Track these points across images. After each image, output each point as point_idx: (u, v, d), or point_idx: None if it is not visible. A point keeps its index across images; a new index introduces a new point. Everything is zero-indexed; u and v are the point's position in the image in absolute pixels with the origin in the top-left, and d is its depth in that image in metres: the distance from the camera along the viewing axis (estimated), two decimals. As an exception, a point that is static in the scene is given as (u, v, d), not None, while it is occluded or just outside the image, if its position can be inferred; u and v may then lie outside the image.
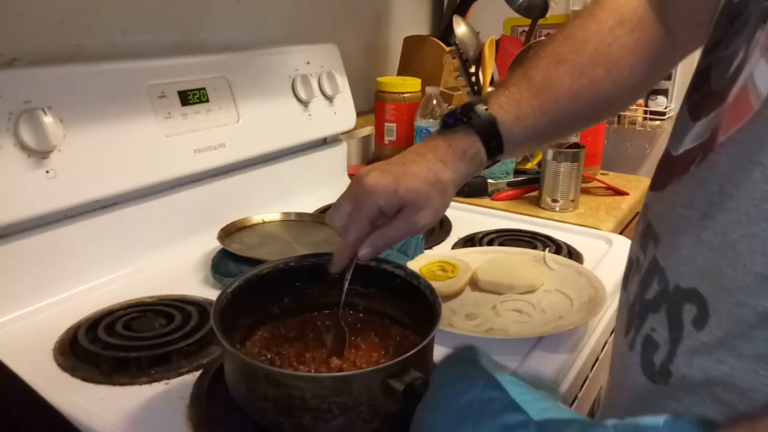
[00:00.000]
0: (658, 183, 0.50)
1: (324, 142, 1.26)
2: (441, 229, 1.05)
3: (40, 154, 0.74)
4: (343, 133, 1.29)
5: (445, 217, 1.09)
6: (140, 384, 0.63)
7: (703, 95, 0.46)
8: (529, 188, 1.26)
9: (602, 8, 0.61)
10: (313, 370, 0.58)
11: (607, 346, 0.81)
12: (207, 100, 0.96)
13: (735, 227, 0.39)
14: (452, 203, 1.11)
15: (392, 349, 0.62)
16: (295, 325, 0.66)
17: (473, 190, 1.24)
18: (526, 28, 1.43)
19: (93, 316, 0.74)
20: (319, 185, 1.21)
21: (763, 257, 0.37)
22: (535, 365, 0.68)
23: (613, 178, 1.36)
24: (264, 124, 1.06)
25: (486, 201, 1.23)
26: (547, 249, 0.94)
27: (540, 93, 0.60)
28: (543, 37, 1.34)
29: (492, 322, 0.74)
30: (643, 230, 0.51)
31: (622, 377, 0.49)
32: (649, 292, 0.47)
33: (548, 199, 1.18)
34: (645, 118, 1.62)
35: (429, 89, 1.31)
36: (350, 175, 1.33)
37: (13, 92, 0.73)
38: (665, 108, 1.61)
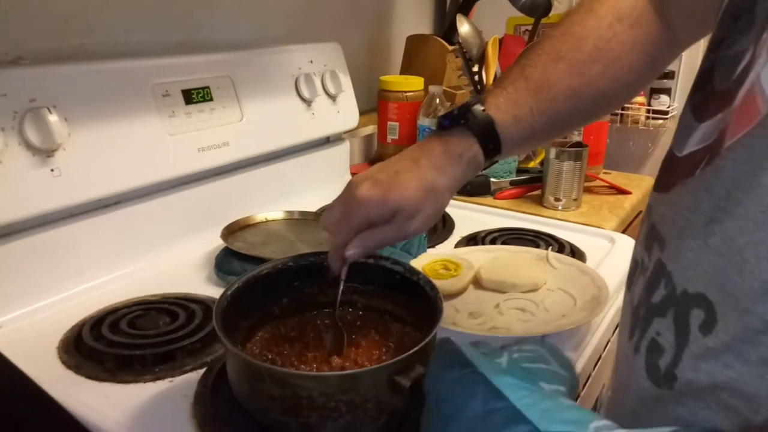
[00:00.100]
0: (662, 184, 0.50)
1: (327, 141, 1.26)
2: (444, 227, 1.06)
3: (45, 152, 0.74)
4: (346, 132, 1.30)
5: (448, 215, 1.09)
6: (144, 382, 0.63)
7: (707, 95, 0.46)
8: (531, 187, 1.26)
9: (601, 3, 0.60)
10: (315, 370, 0.58)
11: (609, 344, 0.81)
12: (211, 99, 0.96)
13: (742, 233, 0.39)
14: (455, 202, 1.11)
15: (393, 345, 0.62)
16: (295, 325, 0.66)
17: (476, 188, 1.24)
18: (530, 27, 1.43)
19: (97, 314, 0.75)
20: (322, 184, 1.21)
21: None
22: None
23: (616, 177, 1.36)
24: (267, 123, 1.06)
25: (489, 200, 1.24)
26: (550, 248, 0.94)
27: (538, 92, 0.59)
28: (546, 36, 1.34)
29: (495, 320, 0.74)
30: (648, 232, 0.50)
31: (627, 379, 0.49)
32: (656, 295, 0.46)
33: (551, 198, 1.18)
34: (648, 117, 1.62)
35: (432, 88, 1.31)
36: (353, 174, 1.33)
37: (18, 91, 0.73)
38: (668, 107, 1.61)
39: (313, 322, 0.66)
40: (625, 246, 1.00)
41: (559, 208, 1.18)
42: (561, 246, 0.97)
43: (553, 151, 1.16)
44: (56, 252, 0.79)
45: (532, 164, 1.36)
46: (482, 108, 0.58)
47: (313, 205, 1.10)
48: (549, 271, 0.86)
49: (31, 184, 0.74)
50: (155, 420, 0.58)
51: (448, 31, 1.53)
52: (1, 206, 0.72)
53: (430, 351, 0.54)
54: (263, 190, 1.09)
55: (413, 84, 1.38)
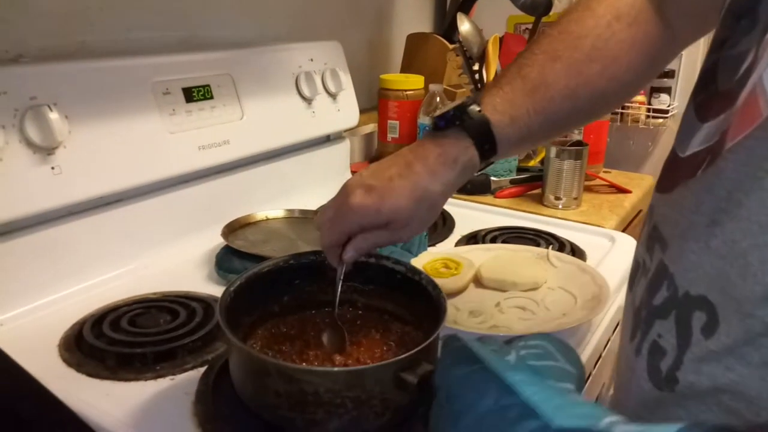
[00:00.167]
0: (664, 185, 0.50)
1: (327, 140, 1.26)
2: (444, 226, 1.06)
3: (45, 150, 0.74)
4: (346, 131, 1.30)
5: (449, 214, 1.09)
6: (145, 380, 0.63)
7: (710, 95, 0.46)
8: (531, 186, 1.26)
9: (599, 2, 0.59)
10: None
11: (610, 343, 0.81)
12: (211, 97, 0.96)
13: (745, 236, 0.39)
14: (455, 200, 1.11)
15: (394, 344, 0.62)
16: (296, 323, 0.66)
17: (476, 187, 1.24)
18: (530, 26, 1.43)
19: (98, 312, 0.75)
20: (322, 182, 1.21)
21: None
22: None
23: (616, 176, 1.36)
24: (268, 121, 1.06)
25: (489, 198, 1.24)
26: (551, 246, 0.94)
27: (535, 92, 0.58)
28: (546, 35, 1.34)
29: (496, 319, 0.74)
30: (650, 233, 0.50)
31: (628, 380, 0.49)
32: (657, 297, 0.46)
33: (551, 197, 1.18)
34: (648, 116, 1.62)
35: (432, 87, 1.31)
36: (353, 173, 1.33)
37: (18, 88, 0.73)
38: (668, 106, 1.61)
39: (314, 321, 0.66)
40: (626, 245, 1.00)
41: (560, 206, 1.18)
42: (561, 245, 0.97)
43: (553, 150, 1.16)
44: (57, 250, 0.79)
45: (532, 163, 1.36)
46: (478, 108, 0.57)
47: (313, 203, 1.10)
48: (549, 270, 0.86)
49: (31, 182, 0.74)
50: (156, 418, 0.58)
51: (449, 30, 1.53)
52: (2, 204, 0.72)
53: (435, 349, 0.54)
54: (264, 188, 1.09)
55: (413, 82, 1.38)
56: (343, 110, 1.22)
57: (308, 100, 1.14)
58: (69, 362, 0.66)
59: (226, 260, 0.86)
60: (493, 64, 1.28)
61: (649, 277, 0.48)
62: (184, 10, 1.03)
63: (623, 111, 1.63)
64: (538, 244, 0.97)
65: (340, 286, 0.61)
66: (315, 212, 1.03)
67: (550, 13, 1.38)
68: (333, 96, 1.19)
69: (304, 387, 0.48)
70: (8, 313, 0.74)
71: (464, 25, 1.25)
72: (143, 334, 0.69)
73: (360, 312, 0.67)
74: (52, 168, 0.76)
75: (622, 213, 1.19)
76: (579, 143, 1.18)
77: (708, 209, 0.42)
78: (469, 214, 1.12)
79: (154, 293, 0.79)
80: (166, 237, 0.92)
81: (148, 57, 0.90)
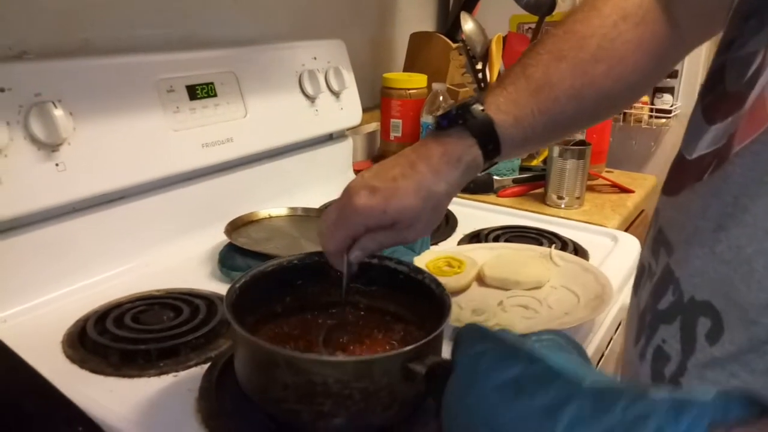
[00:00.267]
0: (671, 187, 0.49)
1: (330, 138, 1.26)
2: (447, 225, 1.06)
3: (50, 147, 0.75)
4: (349, 129, 1.30)
5: (451, 213, 1.09)
6: (149, 376, 0.63)
7: (718, 96, 0.45)
8: (534, 185, 1.26)
9: (605, 2, 0.59)
10: None
11: (612, 343, 0.81)
12: (215, 95, 0.97)
13: (750, 242, 0.38)
14: (458, 200, 1.11)
15: (397, 344, 0.62)
16: (298, 324, 0.65)
17: (479, 186, 1.24)
18: (533, 25, 1.43)
19: (101, 308, 0.75)
20: (325, 181, 1.21)
21: None
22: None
23: (619, 176, 1.36)
24: (271, 119, 1.06)
25: (491, 197, 1.24)
26: (553, 245, 0.94)
27: (539, 92, 0.57)
28: (549, 34, 1.34)
29: (499, 317, 0.74)
30: (655, 236, 0.50)
31: None
32: (663, 302, 0.46)
33: (554, 196, 1.18)
34: (651, 116, 1.62)
35: (435, 86, 1.32)
36: (356, 171, 1.34)
37: (23, 85, 0.73)
38: (671, 106, 1.62)
39: (315, 322, 0.65)
40: (628, 244, 1.00)
41: (562, 206, 1.18)
42: (564, 244, 0.97)
43: (556, 150, 1.16)
44: (60, 246, 0.79)
45: (535, 162, 1.36)
46: (481, 108, 0.56)
47: (316, 201, 1.10)
48: (552, 269, 0.86)
49: (36, 178, 0.74)
50: (160, 414, 0.58)
51: (452, 29, 1.53)
52: (6, 201, 0.72)
53: (441, 343, 0.54)
54: (266, 186, 1.09)
55: (416, 81, 1.38)
56: (346, 109, 1.22)
57: (311, 99, 1.14)
58: (72, 359, 0.66)
59: (229, 258, 0.86)
60: (497, 63, 1.28)
61: (654, 281, 0.48)
62: (188, 7, 1.03)
63: (626, 111, 1.63)
64: (540, 244, 0.97)
65: (346, 290, 0.61)
66: (317, 210, 1.03)
67: (554, 13, 1.38)
68: (336, 94, 1.19)
69: (312, 378, 0.48)
70: (12, 309, 0.74)
71: (468, 24, 1.25)
72: (146, 331, 0.69)
73: (362, 313, 0.67)
74: (57, 165, 0.76)
75: (624, 213, 1.19)
76: (582, 143, 1.18)
77: (714, 214, 0.42)
78: (471, 213, 1.12)
79: (158, 290, 0.79)
80: (170, 234, 0.92)
81: (152, 54, 0.90)
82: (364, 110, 1.29)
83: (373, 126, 1.47)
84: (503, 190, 1.25)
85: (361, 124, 1.31)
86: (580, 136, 1.26)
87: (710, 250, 0.41)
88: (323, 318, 0.66)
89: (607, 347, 0.79)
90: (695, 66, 1.59)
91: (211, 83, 0.96)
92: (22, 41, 0.82)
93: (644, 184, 1.34)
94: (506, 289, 0.81)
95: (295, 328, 0.65)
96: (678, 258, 0.45)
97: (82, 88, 0.79)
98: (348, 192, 0.57)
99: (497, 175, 1.28)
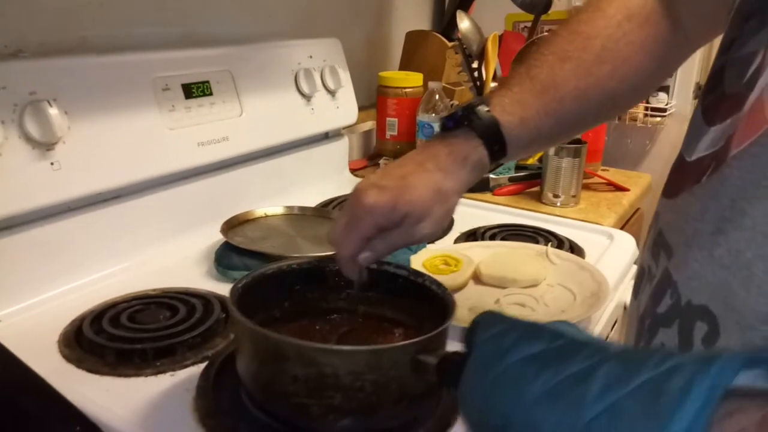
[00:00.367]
0: (670, 190, 0.49)
1: (326, 137, 1.26)
2: (443, 223, 1.06)
3: (45, 145, 0.74)
4: (345, 128, 1.30)
5: (447, 211, 1.09)
6: (145, 375, 0.63)
7: (717, 97, 0.45)
8: (530, 183, 1.26)
9: (609, 2, 0.59)
10: None
11: (608, 340, 0.82)
12: (210, 94, 0.96)
13: (749, 246, 0.38)
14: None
15: None
16: (297, 331, 0.64)
17: (475, 185, 1.23)
18: (528, 24, 1.43)
19: (97, 308, 0.74)
20: (321, 179, 1.21)
21: None
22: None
23: (614, 174, 1.37)
24: (267, 118, 1.06)
25: (487, 196, 1.24)
26: (549, 244, 0.94)
27: (544, 93, 0.57)
28: (545, 33, 1.34)
29: (495, 315, 0.74)
30: (655, 239, 0.50)
31: None
32: (661, 305, 0.46)
33: (550, 195, 1.19)
34: (646, 115, 1.63)
35: (431, 84, 1.31)
36: (351, 170, 1.34)
37: (18, 84, 0.73)
38: (666, 104, 1.62)
39: (313, 329, 0.64)
40: (624, 242, 1.00)
41: (558, 204, 1.18)
42: (560, 242, 0.98)
43: (551, 148, 1.16)
44: (56, 246, 0.79)
45: (530, 161, 1.36)
46: (487, 109, 0.57)
47: (311, 200, 1.10)
48: (548, 267, 0.86)
49: (30, 177, 0.74)
50: (157, 413, 0.58)
51: (448, 28, 1.53)
52: (1, 200, 0.71)
53: (446, 339, 0.53)
54: (262, 185, 1.09)
55: (412, 80, 1.38)
56: (342, 107, 1.22)
57: (307, 97, 1.14)
58: (69, 358, 0.66)
59: (226, 257, 0.86)
60: (493, 62, 1.28)
61: (654, 284, 0.48)
62: (184, 6, 1.03)
63: (621, 109, 1.63)
64: (537, 242, 0.97)
65: (357, 296, 0.60)
66: (313, 209, 1.04)
67: (549, 11, 1.38)
68: (332, 93, 1.19)
69: (323, 369, 0.47)
70: (7, 309, 0.74)
71: (464, 23, 1.25)
72: (143, 330, 0.69)
73: (360, 320, 0.66)
74: (52, 163, 0.75)
75: (620, 211, 1.19)
76: (577, 141, 1.18)
77: (712, 217, 0.41)
78: (467, 211, 1.12)
79: (154, 289, 0.79)
80: (166, 233, 0.92)
81: (148, 53, 0.90)
82: (360, 109, 1.29)
83: (369, 125, 1.47)
84: (499, 189, 1.25)
85: (357, 123, 1.31)
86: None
87: (708, 253, 0.41)
88: (321, 324, 0.65)
89: (603, 345, 0.79)
90: (690, 65, 1.60)
91: (207, 82, 0.96)
92: (18, 39, 0.81)
93: (639, 183, 1.35)
94: (503, 288, 0.81)
95: (293, 335, 0.64)
96: (677, 261, 0.45)
97: (77, 86, 0.79)
98: (356, 193, 0.56)
99: (493, 173, 1.28)
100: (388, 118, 1.39)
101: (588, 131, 1.30)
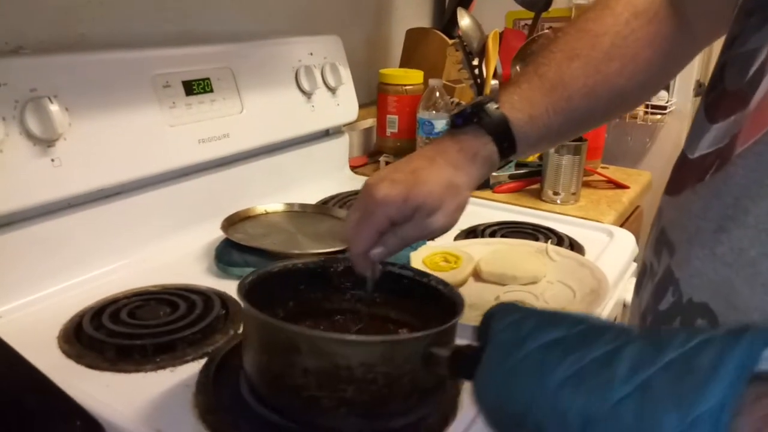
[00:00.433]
0: (673, 187, 0.49)
1: (326, 134, 1.26)
2: (443, 220, 1.06)
3: (45, 142, 0.74)
4: (345, 125, 1.30)
5: (448, 209, 1.09)
6: (145, 371, 0.63)
7: (719, 94, 0.45)
8: (530, 181, 1.26)
9: (617, 0, 0.59)
10: None
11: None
12: (211, 90, 0.96)
13: (753, 244, 0.38)
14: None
15: None
16: None
17: (475, 182, 1.24)
18: (529, 21, 1.43)
19: (97, 304, 0.75)
20: (321, 177, 1.21)
21: None
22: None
23: (614, 172, 1.37)
24: (267, 115, 1.06)
25: (487, 193, 1.24)
26: (549, 241, 0.94)
27: (553, 90, 0.58)
28: (546, 30, 1.34)
29: (495, 312, 0.74)
30: (657, 236, 0.50)
31: None
32: (663, 303, 0.46)
33: (550, 192, 1.19)
34: (646, 113, 1.63)
35: (432, 81, 1.31)
36: (352, 168, 1.34)
37: (19, 80, 0.73)
38: (666, 102, 1.62)
39: (316, 329, 0.63)
40: (624, 240, 1.00)
41: (558, 201, 1.18)
42: (560, 239, 0.98)
43: (552, 145, 1.16)
44: (56, 242, 0.79)
45: (530, 158, 1.36)
46: (496, 106, 0.57)
47: (312, 197, 1.10)
48: (548, 264, 0.86)
49: (31, 173, 0.74)
50: (157, 409, 0.58)
51: (448, 25, 1.53)
52: (2, 196, 0.71)
53: (455, 334, 0.53)
54: (263, 182, 1.09)
55: (413, 77, 1.37)
56: (342, 105, 1.22)
57: (308, 95, 1.14)
58: (69, 354, 0.66)
59: (226, 253, 0.86)
60: (493, 59, 1.28)
61: (655, 281, 0.48)
62: (184, 4, 1.03)
63: (622, 107, 1.63)
64: (536, 239, 0.97)
65: (371, 294, 0.60)
66: (314, 206, 1.04)
67: (549, 9, 1.38)
68: (332, 90, 1.19)
69: (336, 361, 0.47)
70: (7, 305, 0.74)
71: (464, 20, 1.25)
72: (143, 326, 0.69)
73: (365, 321, 0.65)
74: (52, 160, 0.75)
75: (620, 208, 1.19)
76: (578, 138, 1.18)
77: (715, 215, 0.41)
78: (468, 208, 1.11)
79: (154, 286, 0.79)
80: (166, 230, 0.92)
81: (149, 50, 0.90)
82: (361, 106, 1.29)
83: (370, 122, 1.47)
84: (499, 186, 1.25)
85: (357, 120, 1.31)
86: (576, 132, 1.26)
87: (711, 251, 0.41)
88: (324, 325, 0.65)
89: (602, 342, 0.79)
90: (690, 63, 1.59)
91: (208, 79, 0.96)
92: (19, 36, 0.81)
93: (639, 180, 1.35)
94: (503, 285, 0.81)
95: None
96: (679, 259, 0.45)
97: (78, 83, 0.79)
98: (367, 188, 0.56)
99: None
100: (388, 116, 1.39)
101: (588, 129, 1.30)
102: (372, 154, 1.47)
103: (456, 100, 1.39)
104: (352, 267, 0.60)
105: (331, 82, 1.17)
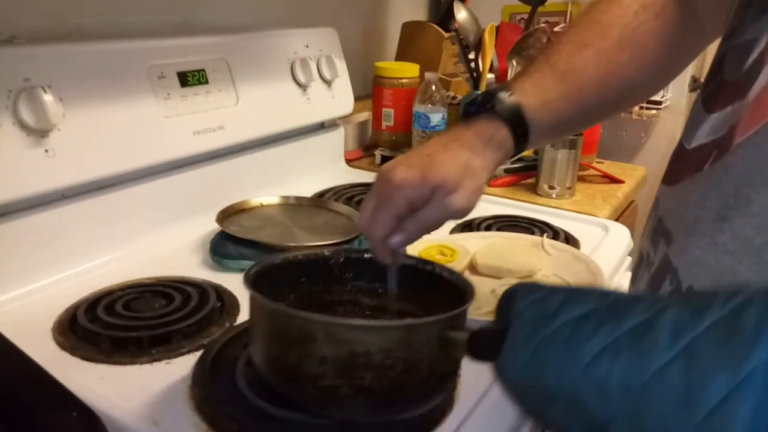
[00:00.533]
0: (670, 177, 0.49)
1: (322, 127, 1.26)
2: (439, 214, 1.06)
3: (39, 132, 0.74)
4: (340, 118, 1.29)
5: (443, 202, 1.09)
6: (141, 363, 0.63)
7: (717, 85, 0.45)
8: (526, 175, 1.26)
9: None
10: None
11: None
12: (206, 82, 0.96)
13: (759, 232, 0.38)
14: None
15: None
16: None
17: (470, 176, 1.24)
18: (525, 16, 1.43)
19: (92, 296, 0.74)
20: (316, 170, 1.21)
21: None
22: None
23: (609, 167, 1.37)
24: (263, 107, 1.06)
25: (483, 187, 1.23)
26: (545, 234, 0.94)
27: (564, 79, 0.58)
28: (542, 25, 1.34)
29: (491, 305, 0.74)
30: (654, 226, 0.50)
31: None
32: (660, 291, 0.46)
33: (545, 186, 1.19)
34: (641, 108, 1.63)
35: (428, 75, 1.31)
36: (347, 161, 1.33)
37: (12, 70, 0.72)
38: (662, 97, 1.62)
39: None
40: (619, 234, 1.00)
41: (553, 196, 1.18)
42: (555, 233, 0.98)
43: (548, 140, 1.16)
44: (50, 234, 0.78)
45: (526, 152, 1.36)
46: (509, 93, 0.57)
47: (307, 190, 1.10)
48: (544, 258, 0.86)
49: (24, 164, 0.73)
50: (153, 401, 0.58)
51: (444, 18, 1.53)
52: (-5, 187, 0.71)
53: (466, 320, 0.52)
54: (258, 174, 1.08)
55: (409, 70, 1.37)
56: (337, 97, 1.22)
57: (303, 87, 1.13)
58: (63, 346, 0.66)
59: (221, 246, 0.85)
60: (489, 53, 1.27)
61: (652, 270, 0.48)
62: (179, -7, 1.02)
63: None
64: (532, 233, 0.97)
65: (395, 286, 0.59)
66: (309, 199, 1.03)
67: (546, 3, 1.38)
68: (328, 83, 1.19)
69: (354, 348, 0.46)
70: (1, 297, 0.73)
71: (461, 14, 1.25)
72: (138, 318, 0.69)
73: (368, 313, 0.64)
74: (46, 151, 0.75)
75: (615, 203, 1.20)
76: (573, 133, 1.19)
77: (715, 204, 0.42)
78: (463, 202, 1.12)
79: (149, 278, 0.79)
80: (161, 222, 0.92)
81: (144, 40, 0.89)
82: (356, 99, 1.28)
83: (365, 115, 1.46)
84: (495, 180, 1.25)
85: (352, 113, 1.30)
86: (571, 127, 1.27)
87: (711, 240, 0.41)
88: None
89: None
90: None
91: (203, 70, 0.95)
92: (13, 26, 0.80)
93: (634, 175, 1.35)
94: (498, 278, 0.81)
95: None
96: (677, 248, 0.45)
97: (72, 73, 0.78)
98: (383, 175, 0.55)
99: (489, 165, 1.27)
100: (384, 109, 1.38)
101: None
102: (367, 147, 1.47)
103: (452, 94, 1.39)
104: (351, 258, 0.59)
105: (327, 75, 1.17)
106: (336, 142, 1.29)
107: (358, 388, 0.47)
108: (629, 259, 0.99)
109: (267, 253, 0.80)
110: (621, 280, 0.93)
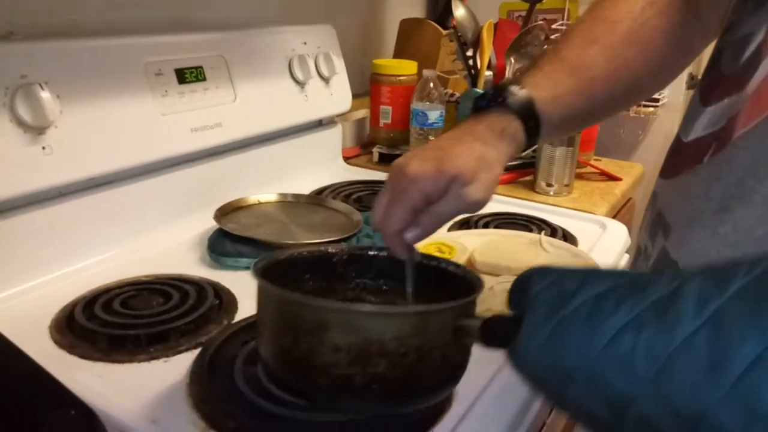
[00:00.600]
0: (669, 170, 0.49)
1: (319, 124, 1.25)
2: (437, 211, 1.06)
3: (36, 129, 0.73)
4: (338, 115, 1.29)
5: (441, 200, 1.09)
6: (139, 361, 0.63)
7: (714, 78, 0.46)
8: (523, 172, 1.26)
9: None
10: None
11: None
12: (204, 79, 0.95)
13: (760, 224, 0.38)
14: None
15: None
16: None
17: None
18: (523, 13, 1.43)
19: (89, 294, 0.74)
20: (314, 167, 1.21)
21: None
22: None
23: (607, 164, 1.37)
24: (261, 104, 1.06)
25: (481, 185, 1.23)
26: (543, 232, 0.94)
27: (575, 72, 0.58)
28: (540, 22, 1.34)
29: (489, 302, 0.74)
30: (653, 219, 0.50)
31: None
32: None
33: (543, 184, 1.19)
34: (638, 105, 1.63)
35: (426, 72, 1.31)
36: (345, 158, 1.33)
37: (9, 66, 0.72)
38: (659, 94, 1.62)
39: None
40: (617, 231, 1.01)
41: (551, 193, 1.18)
42: (553, 231, 0.98)
43: (545, 137, 1.16)
44: (47, 231, 0.78)
45: (524, 150, 1.36)
46: (519, 86, 0.57)
47: (304, 188, 1.10)
48: (542, 255, 0.86)
49: (21, 161, 0.73)
50: (151, 399, 0.58)
51: (442, 15, 1.52)
52: (-8, 184, 0.71)
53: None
54: (255, 171, 1.08)
55: (406, 68, 1.37)
56: (335, 95, 1.21)
57: (301, 84, 1.13)
58: (60, 344, 0.65)
59: (219, 243, 0.85)
60: (487, 50, 1.27)
61: (650, 263, 0.48)
62: (176, -10, 1.02)
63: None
64: (530, 230, 0.97)
65: (412, 285, 0.58)
66: (307, 196, 1.03)
67: (544, 1, 1.38)
68: (326, 80, 1.18)
69: (368, 335, 0.46)
70: (-2, 294, 0.73)
71: (459, 11, 1.25)
72: (136, 316, 0.69)
73: None
74: (43, 148, 0.75)
75: (612, 200, 1.20)
76: (571, 130, 1.19)
77: (717, 196, 0.42)
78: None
79: (147, 276, 0.79)
80: (158, 219, 0.91)
81: (141, 37, 0.89)
82: (354, 96, 1.28)
83: (363, 112, 1.46)
84: (493, 178, 1.25)
85: (350, 111, 1.30)
86: (569, 124, 1.27)
87: (712, 231, 0.41)
88: None
89: (595, 333, 0.80)
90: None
91: (200, 67, 0.95)
92: (9, 22, 0.80)
93: (631, 172, 1.35)
94: (496, 275, 0.81)
95: None
96: (675, 240, 0.45)
97: (70, 70, 0.78)
98: (396, 168, 0.54)
99: (487, 162, 1.27)
100: (381, 106, 1.38)
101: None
102: (365, 144, 1.47)
103: (450, 91, 1.39)
104: (355, 255, 0.59)
105: (325, 72, 1.17)
106: (334, 139, 1.29)
107: (371, 377, 0.46)
108: (627, 256, 0.99)
109: (265, 251, 0.79)
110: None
